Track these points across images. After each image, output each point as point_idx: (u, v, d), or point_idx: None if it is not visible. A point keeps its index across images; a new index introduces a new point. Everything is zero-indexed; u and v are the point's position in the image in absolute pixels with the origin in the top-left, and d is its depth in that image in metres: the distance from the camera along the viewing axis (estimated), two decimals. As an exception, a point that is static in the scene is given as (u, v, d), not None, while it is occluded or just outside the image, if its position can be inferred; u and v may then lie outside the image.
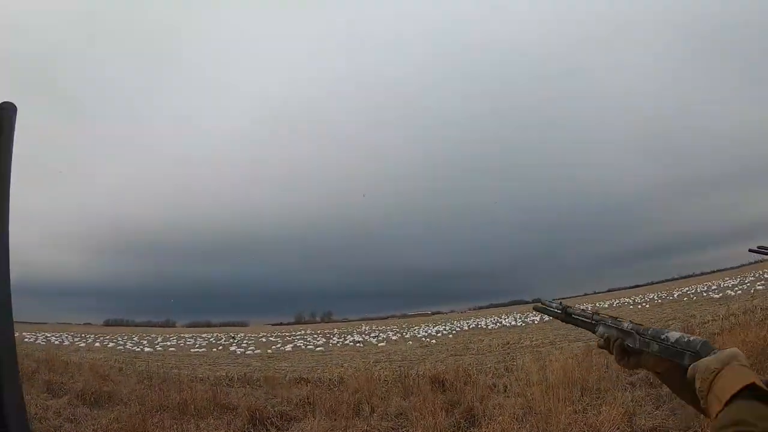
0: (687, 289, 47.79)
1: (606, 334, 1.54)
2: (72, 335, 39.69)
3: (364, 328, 48.78)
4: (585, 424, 5.04)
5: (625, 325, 1.49)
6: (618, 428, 4.76)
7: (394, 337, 30.60)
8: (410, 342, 25.31)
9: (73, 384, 10.84)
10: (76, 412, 8.30)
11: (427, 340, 25.46)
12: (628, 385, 6.57)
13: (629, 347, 1.45)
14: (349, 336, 34.62)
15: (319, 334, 39.28)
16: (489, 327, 33.66)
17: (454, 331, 31.39)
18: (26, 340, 29.41)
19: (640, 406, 5.63)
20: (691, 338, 1.29)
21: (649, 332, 1.40)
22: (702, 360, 1.22)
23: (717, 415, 1.11)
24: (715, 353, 1.23)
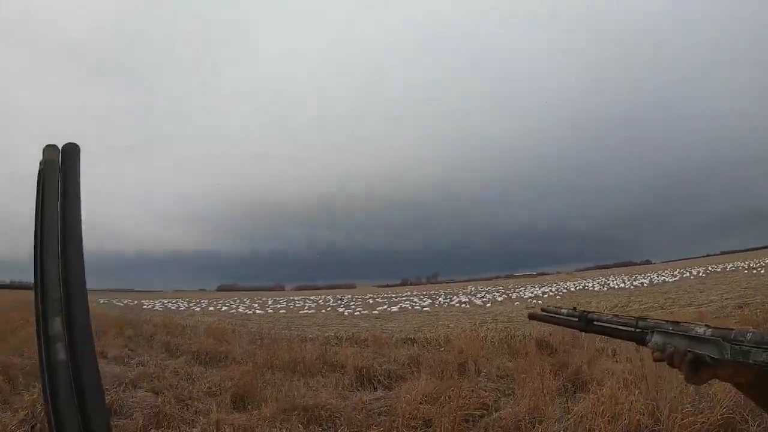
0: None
1: (669, 346, 1.19)
2: (187, 301, 41.89)
3: (469, 289, 48.71)
4: (697, 394, 4.87)
5: (700, 330, 1.14)
6: (732, 399, 4.56)
7: (499, 298, 30.39)
8: (516, 303, 25.11)
9: (190, 345, 11.54)
10: (191, 370, 8.87)
11: (533, 301, 25.17)
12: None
13: (710, 358, 1.10)
14: (454, 297, 34.66)
15: (425, 295, 39.58)
16: (596, 289, 32.74)
17: (560, 293, 30.82)
18: (145, 306, 31.32)
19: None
20: None
21: (749, 337, 1.05)
22: None
23: None
24: None
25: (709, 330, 1.12)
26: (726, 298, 16.41)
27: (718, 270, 42.80)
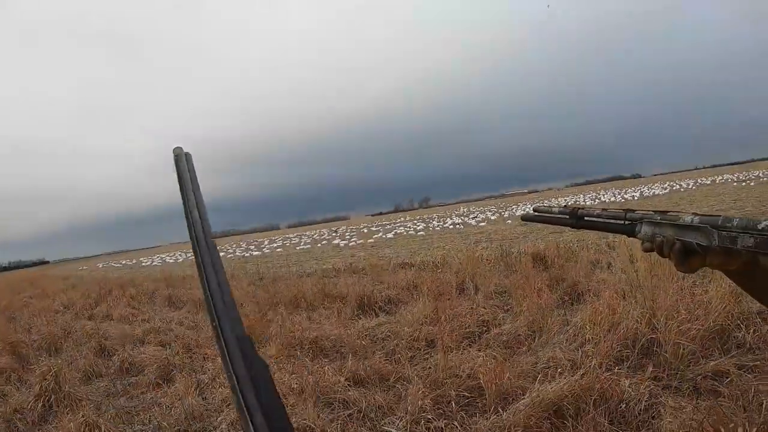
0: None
1: (658, 236, 1.15)
2: (184, 252, 41.84)
3: (462, 210, 48.94)
4: (692, 301, 4.94)
5: (687, 218, 1.11)
6: (725, 307, 4.63)
7: (492, 217, 30.59)
8: (509, 221, 25.25)
9: (191, 294, 11.62)
10: (195, 319, 9.04)
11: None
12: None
13: (699, 245, 1.07)
14: (448, 219, 34.84)
15: (419, 219, 39.79)
16: (587, 203, 32.96)
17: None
18: (144, 264, 31.30)
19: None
20: None
21: (735, 222, 1.01)
22: None
23: None
24: None
25: (697, 218, 1.10)
26: (716, 210, 16.50)
27: (708, 182, 42.99)
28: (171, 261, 34.51)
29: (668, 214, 1.16)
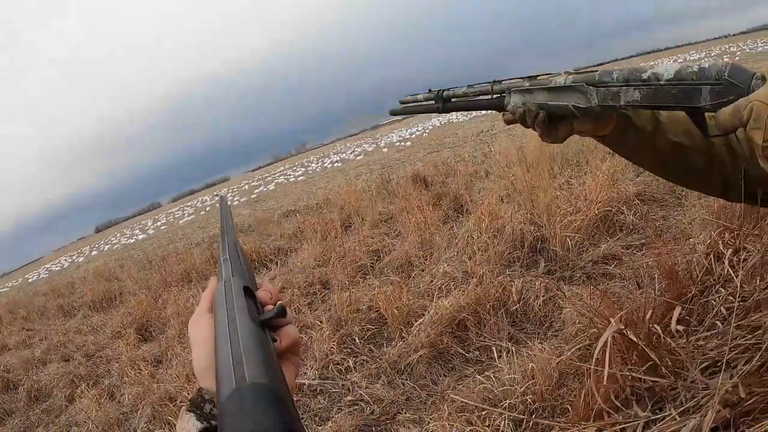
0: (653, 63, 47.08)
1: (524, 105, 1.03)
2: (69, 256, 39.46)
3: (339, 147, 48.71)
4: (570, 194, 5.05)
5: (560, 79, 0.98)
6: (604, 195, 4.75)
7: (369, 149, 30.58)
8: (385, 149, 25.32)
9: (82, 298, 10.94)
10: (92, 322, 8.44)
11: (402, 144, 25.46)
12: (607, 155, 6.53)
13: (576, 108, 0.95)
14: (326, 159, 34.57)
15: (298, 166, 39.22)
16: (460, 120, 33.48)
17: (426, 131, 31.34)
18: (30, 280, 29.25)
19: (622, 174, 5.59)
20: (704, 64, 0.80)
21: (615, 75, 0.90)
22: (757, 94, 0.73)
23: None
24: (759, 80, 0.76)
25: (570, 77, 0.95)
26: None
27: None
28: (57, 269, 32.49)
29: (538, 78, 1.02)
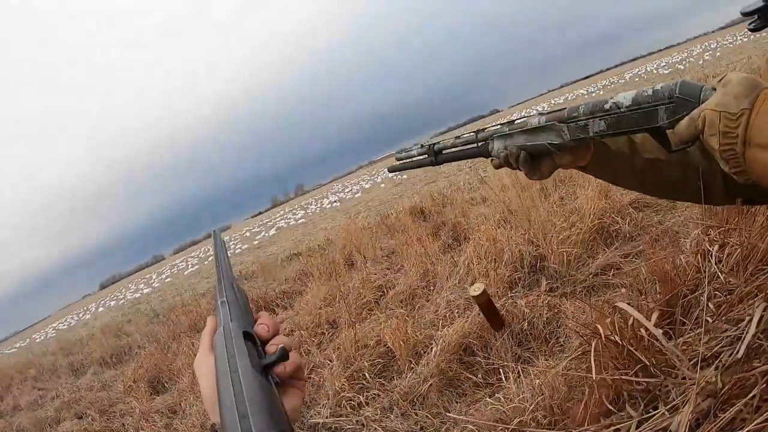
0: (637, 70, 47.27)
1: (506, 149, 1.12)
2: (75, 314, 39.38)
3: (337, 187, 48.88)
4: (565, 210, 5.11)
5: (534, 120, 1.07)
6: (597, 207, 4.81)
7: (367, 186, 30.71)
8: (383, 185, 25.48)
9: (92, 355, 10.94)
10: (102, 378, 8.45)
11: (399, 177, 25.61)
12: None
13: (552, 144, 1.04)
14: (324, 200, 34.67)
15: (297, 208, 39.35)
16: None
17: (422, 163, 31.52)
18: (38, 340, 29.18)
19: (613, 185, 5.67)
20: (656, 87, 0.89)
21: (581, 110, 0.99)
22: (707, 103, 0.80)
23: None
24: (708, 92, 0.83)
25: (543, 116, 1.06)
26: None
27: (561, 101, 45.08)
28: (64, 327, 32.34)
29: (515, 123, 1.11)
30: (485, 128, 1.19)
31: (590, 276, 4.06)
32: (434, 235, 6.78)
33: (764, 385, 0.99)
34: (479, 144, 1.20)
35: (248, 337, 0.64)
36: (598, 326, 1.55)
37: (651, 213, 4.88)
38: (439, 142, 1.30)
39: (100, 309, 31.39)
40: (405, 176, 23.80)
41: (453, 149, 1.27)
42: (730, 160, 0.79)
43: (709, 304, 1.47)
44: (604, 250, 4.37)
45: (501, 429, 2.42)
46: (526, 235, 4.76)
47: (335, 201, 29.23)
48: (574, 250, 4.32)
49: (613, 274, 3.97)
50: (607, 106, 0.94)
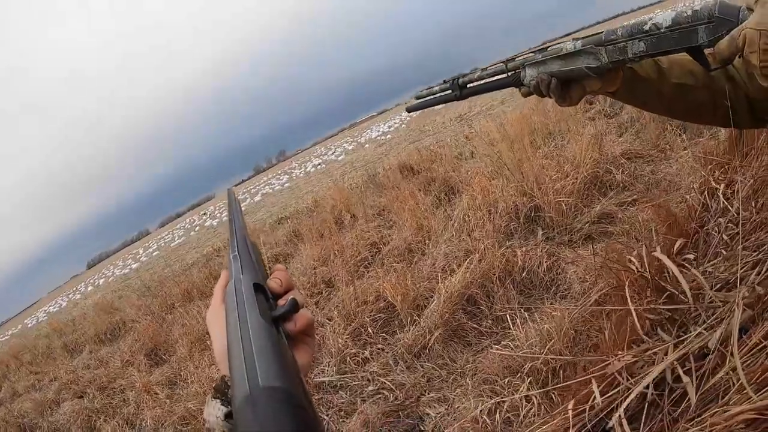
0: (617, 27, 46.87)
1: (539, 75, 1.11)
2: (66, 295, 39.10)
3: (320, 150, 48.60)
4: (557, 162, 5.11)
5: (569, 45, 1.06)
6: (590, 157, 4.82)
7: (350, 147, 30.55)
8: (367, 145, 25.35)
9: (86, 334, 10.90)
10: (99, 355, 8.42)
11: (383, 137, 25.49)
12: (588, 121, 6.61)
13: (588, 68, 1.02)
14: (308, 164, 34.48)
15: (281, 173, 39.15)
16: (437, 108, 33.44)
17: (405, 122, 31.36)
18: (30, 325, 28.98)
19: (605, 135, 5.68)
20: (695, 7, 0.88)
21: (620, 32, 0.98)
22: (748, 22, 0.81)
23: None
24: (745, 12, 0.84)
25: (579, 41, 1.04)
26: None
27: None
28: (55, 310, 32.18)
29: (549, 49, 1.09)
30: (515, 57, 1.16)
31: (587, 224, 4.08)
32: (425, 190, 6.76)
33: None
34: (509, 74, 1.17)
35: (259, 289, 0.63)
36: (625, 261, 1.56)
37: (643, 164, 4.90)
38: (464, 75, 1.26)
39: (90, 288, 31.29)
40: (389, 137, 23.73)
41: (480, 81, 1.24)
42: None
43: (723, 236, 1.48)
44: (599, 199, 4.38)
45: (509, 375, 2.45)
46: (519, 186, 4.76)
47: (320, 164, 29.07)
48: (569, 200, 4.33)
49: (609, 222, 4.00)
50: (646, 28, 0.93)
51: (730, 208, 1.68)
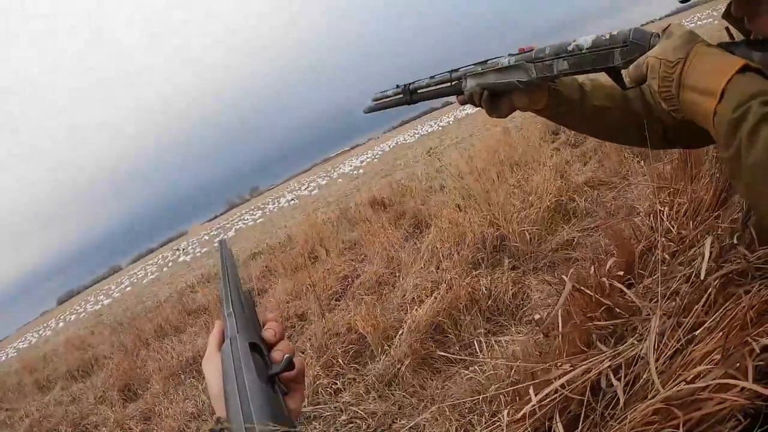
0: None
1: (475, 86, 1.23)
2: (36, 331, 37.97)
3: (293, 185, 48.58)
4: (522, 192, 5.24)
5: (504, 60, 1.17)
6: (554, 186, 4.96)
7: (323, 182, 30.61)
8: (340, 180, 25.44)
9: (57, 369, 10.72)
10: (71, 392, 8.28)
11: (355, 172, 25.63)
12: (553, 152, 6.80)
13: (520, 82, 1.15)
14: (282, 199, 34.44)
15: (254, 209, 39.03)
16: (409, 141, 33.77)
17: (377, 156, 31.60)
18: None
19: (569, 165, 5.87)
20: (613, 32, 1.00)
21: (547, 51, 1.10)
22: (651, 51, 0.94)
23: (716, 106, 0.82)
24: (655, 38, 0.96)
25: (513, 57, 1.17)
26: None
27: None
28: (25, 346, 31.36)
29: (488, 62, 1.22)
30: (459, 68, 1.28)
31: (551, 252, 4.20)
32: (396, 224, 6.86)
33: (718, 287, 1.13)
34: (453, 83, 1.29)
35: (254, 347, 0.67)
36: (564, 278, 1.68)
37: (606, 190, 5.04)
38: (414, 82, 1.37)
39: (61, 324, 30.52)
40: (362, 171, 23.90)
41: (428, 88, 1.35)
42: (667, 99, 0.93)
43: (665, 254, 1.60)
44: (562, 227, 4.52)
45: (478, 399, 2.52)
46: (486, 216, 4.87)
47: (293, 199, 29.08)
48: (534, 229, 4.45)
49: (573, 248, 4.12)
50: (570, 48, 1.06)
51: (671, 228, 1.81)
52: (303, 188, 34.29)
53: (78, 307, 37.53)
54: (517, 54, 1.17)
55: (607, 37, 1.01)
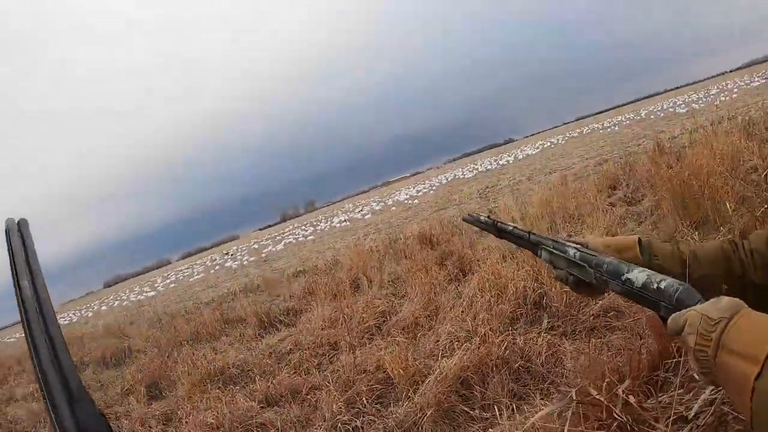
0: (653, 107, 46.76)
1: (554, 265, 1.40)
2: (78, 310, 39.18)
3: (347, 206, 48.89)
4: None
5: (571, 252, 1.32)
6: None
7: (377, 207, 30.78)
8: (393, 208, 25.53)
9: (92, 353, 10.98)
10: (101, 377, 8.50)
11: (410, 201, 25.67)
12: (608, 207, 6.68)
13: (579, 277, 1.30)
14: (334, 218, 34.73)
15: (307, 224, 39.45)
16: (466, 176, 33.63)
17: (434, 188, 31.59)
18: None
19: (623, 224, 5.74)
20: (663, 283, 1.01)
21: (605, 267, 1.18)
22: (694, 309, 0.89)
23: (757, 376, 0.73)
24: (701, 302, 0.92)
25: (578, 254, 1.30)
26: (586, 158, 17.35)
27: (575, 135, 44.94)
28: (65, 322, 31.80)
29: (558, 243, 1.39)
30: (537, 234, 1.48)
31: (591, 317, 4.10)
32: (440, 264, 6.84)
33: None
34: (531, 242, 1.48)
35: None
36: (586, 382, 1.63)
37: (658, 261, 4.91)
38: (502, 222, 1.58)
39: (103, 308, 31.25)
40: (416, 201, 23.89)
41: (509, 233, 1.56)
42: (700, 360, 0.85)
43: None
44: (607, 293, 4.40)
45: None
46: (531, 271, 4.81)
47: (345, 221, 29.26)
48: (577, 291, 4.35)
49: (614, 316, 4.01)
50: (623, 277, 1.11)
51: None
52: (357, 210, 34.47)
53: (122, 294, 38.36)
54: (582, 251, 1.31)
55: (655, 287, 1.02)
